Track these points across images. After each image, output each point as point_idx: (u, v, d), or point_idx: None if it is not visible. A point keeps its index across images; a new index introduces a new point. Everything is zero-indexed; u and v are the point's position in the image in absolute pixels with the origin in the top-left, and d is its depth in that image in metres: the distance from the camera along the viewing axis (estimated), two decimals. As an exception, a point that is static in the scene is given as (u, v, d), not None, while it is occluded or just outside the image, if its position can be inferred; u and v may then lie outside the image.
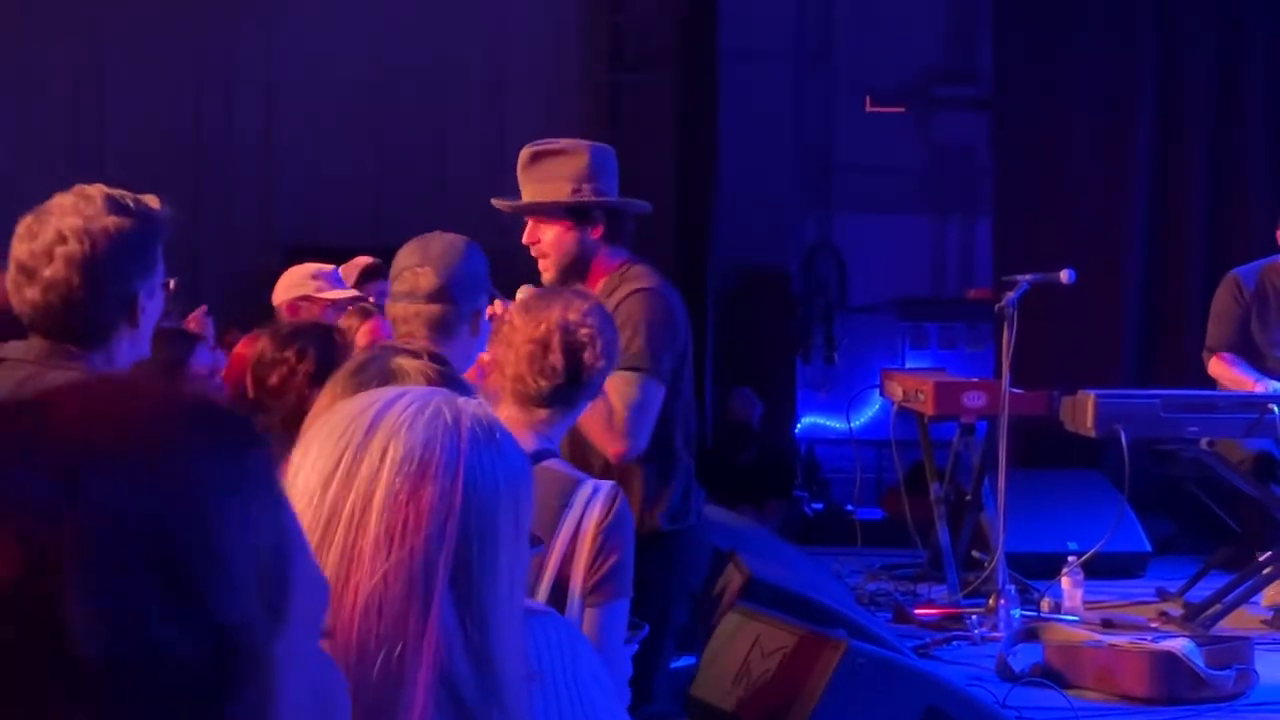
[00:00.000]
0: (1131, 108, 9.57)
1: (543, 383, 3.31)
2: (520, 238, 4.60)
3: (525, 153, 4.56)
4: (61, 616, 0.76)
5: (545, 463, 3.17)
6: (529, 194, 4.55)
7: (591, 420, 4.22)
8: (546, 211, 4.49)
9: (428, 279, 3.86)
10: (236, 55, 10.48)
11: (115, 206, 2.91)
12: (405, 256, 3.98)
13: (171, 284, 3.10)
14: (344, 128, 10.36)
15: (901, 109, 10.63)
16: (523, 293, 4.36)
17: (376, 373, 2.16)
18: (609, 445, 4.28)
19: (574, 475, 3.21)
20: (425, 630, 1.56)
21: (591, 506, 3.11)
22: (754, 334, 10.21)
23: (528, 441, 3.06)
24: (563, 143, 4.59)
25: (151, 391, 0.87)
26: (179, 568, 0.80)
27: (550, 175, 4.49)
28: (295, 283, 6.35)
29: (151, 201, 3.00)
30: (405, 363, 2.19)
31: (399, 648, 1.56)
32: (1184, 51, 9.58)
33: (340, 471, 1.59)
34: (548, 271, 4.53)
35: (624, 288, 4.47)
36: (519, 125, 10.31)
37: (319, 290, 6.29)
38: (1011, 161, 9.93)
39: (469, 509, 1.59)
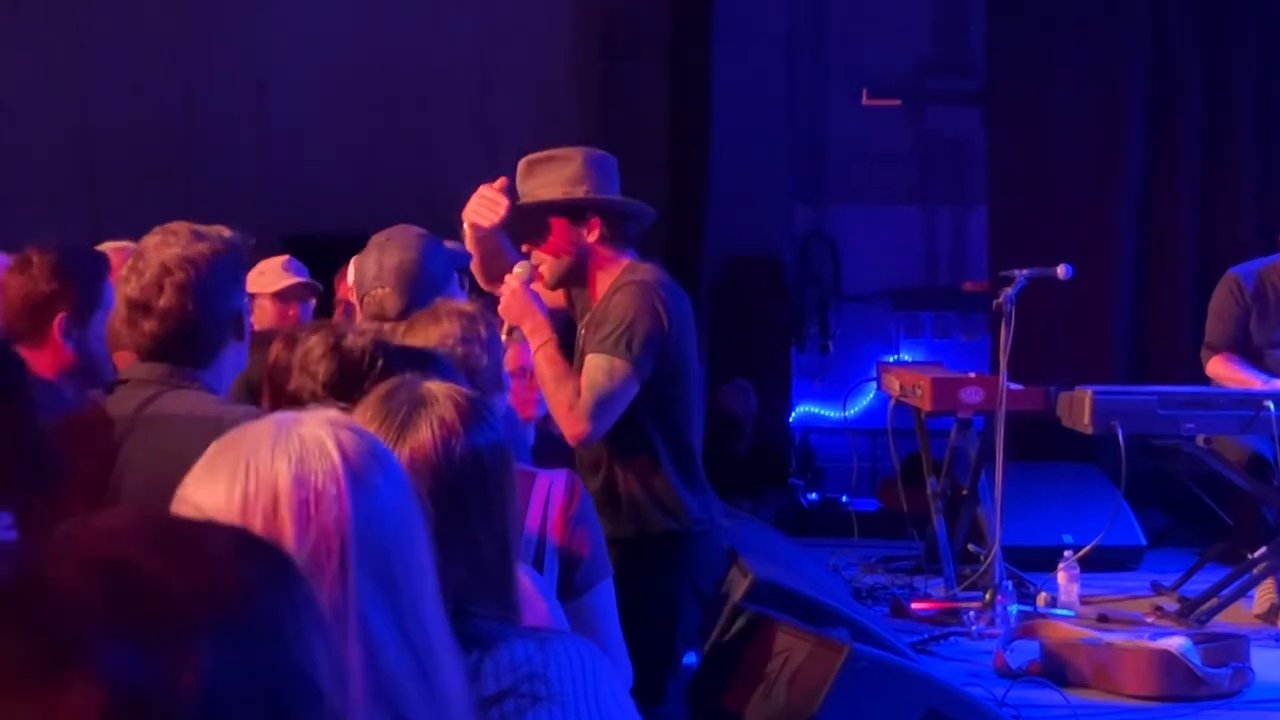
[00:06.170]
0: (1123, 99, 9.59)
1: None
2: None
3: (521, 164, 4.58)
4: None
5: None
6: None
7: (557, 400, 4.27)
8: (537, 213, 4.50)
9: (392, 301, 3.99)
10: (227, 43, 10.45)
11: (200, 236, 3.13)
12: (365, 275, 4.09)
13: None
14: (336, 117, 10.33)
15: (898, 102, 10.63)
16: (519, 268, 4.41)
17: (406, 398, 2.16)
18: (569, 426, 4.31)
19: (529, 470, 3.22)
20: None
21: (554, 497, 3.14)
22: (748, 324, 10.21)
23: None
24: (558, 150, 4.61)
25: (213, 541, 0.82)
26: None
27: (544, 181, 4.51)
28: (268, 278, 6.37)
29: (223, 230, 3.21)
30: (434, 387, 2.20)
31: None
32: (1176, 43, 9.60)
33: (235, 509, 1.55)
34: (547, 274, 4.52)
35: (621, 282, 4.48)
36: (511, 111, 10.31)
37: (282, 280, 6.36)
38: (1004, 153, 9.95)
39: (362, 536, 1.56)
